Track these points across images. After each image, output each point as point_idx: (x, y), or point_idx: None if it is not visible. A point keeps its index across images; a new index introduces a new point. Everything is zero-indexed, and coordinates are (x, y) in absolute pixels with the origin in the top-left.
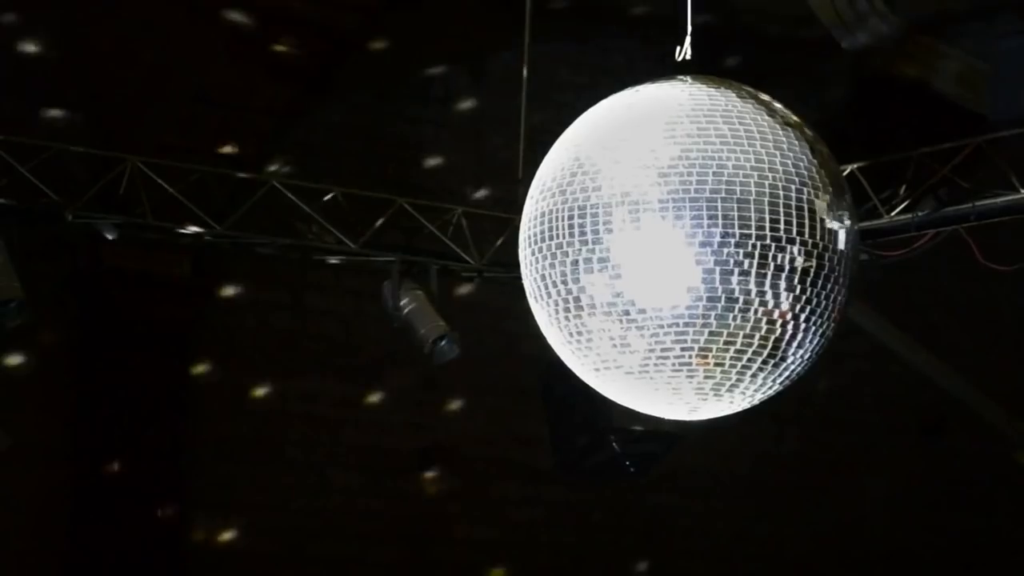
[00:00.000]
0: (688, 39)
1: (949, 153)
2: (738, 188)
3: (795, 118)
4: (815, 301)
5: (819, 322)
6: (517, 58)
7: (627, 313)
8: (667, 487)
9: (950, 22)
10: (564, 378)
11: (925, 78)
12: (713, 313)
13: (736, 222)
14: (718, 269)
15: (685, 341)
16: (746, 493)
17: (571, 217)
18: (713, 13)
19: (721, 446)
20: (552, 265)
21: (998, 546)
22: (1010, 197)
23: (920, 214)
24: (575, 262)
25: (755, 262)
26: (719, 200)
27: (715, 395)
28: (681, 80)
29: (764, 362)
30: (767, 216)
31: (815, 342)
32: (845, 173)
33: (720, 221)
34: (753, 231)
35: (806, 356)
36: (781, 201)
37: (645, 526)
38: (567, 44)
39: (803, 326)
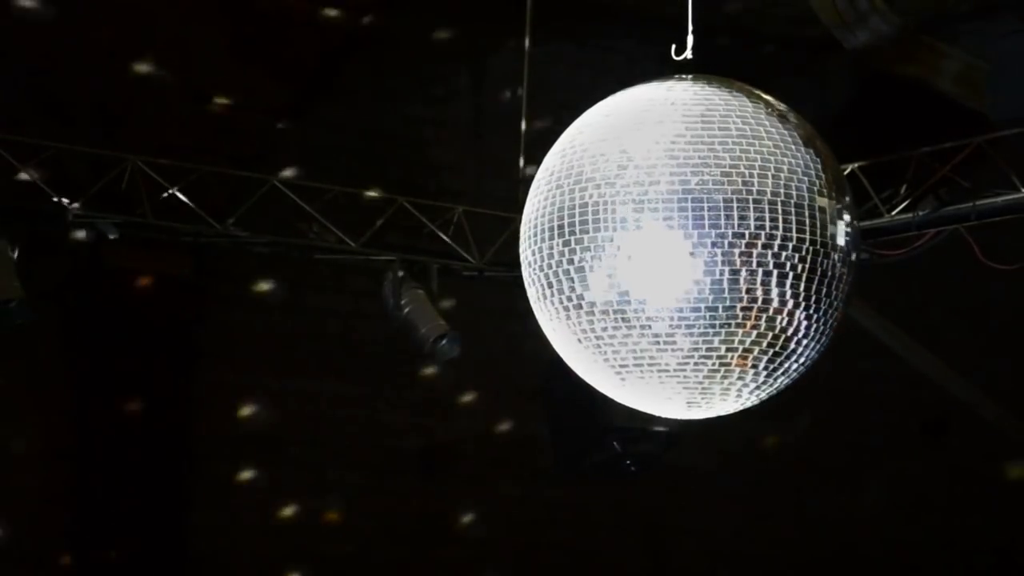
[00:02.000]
0: (691, 38)
1: (950, 152)
2: (743, 188)
3: (795, 116)
4: (819, 300)
5: (823, 321)
6: (517, 58)
7: (680, 311)
8: (667, 487)
9: (950, 22)
10: (565, 378)
11: (926, 78)
12: (764, 316)
13: (750, 222)
14: (767, 271)
15: (732, 342)
16: (746, 493)
17: (727, 208)
18: (715, 12)
19: (721, 446)
20: (598, 258)
21: (998, 546)
22: (1010, 196)
23: (921, 213)
24: (629, 256)
25: (767, 262)
26: (779, 202)
27: (737, 395)
28: (681, 79)
29: (773, 361)
30: (779, 216)
31: (819, 341)
32: (846, 172)
33: (780, 223)
34: (764, 230)
35: (809, 355)
36: (792, 200)
37: (645, 525)
38: (567, 44)
39: (807, 325)
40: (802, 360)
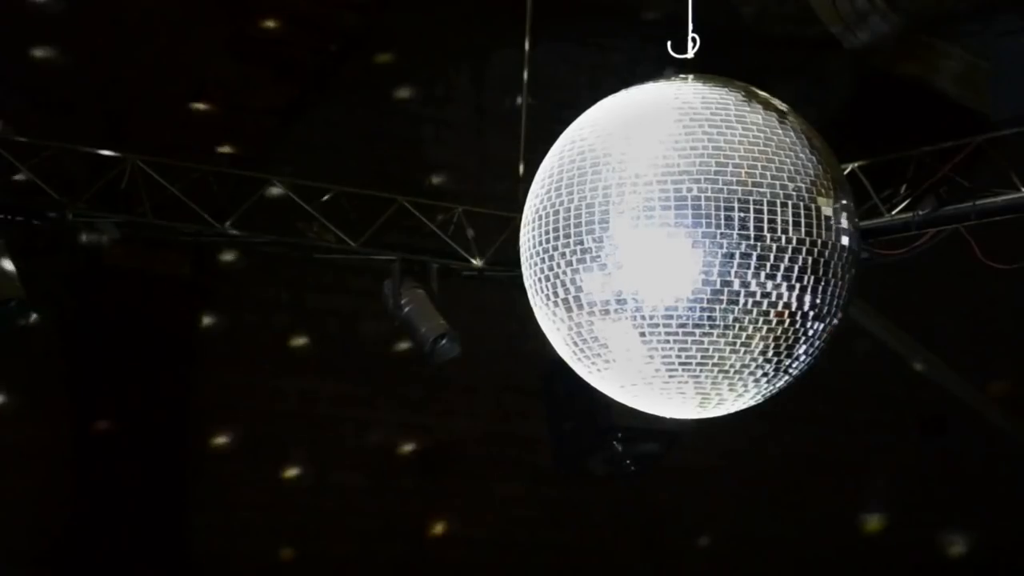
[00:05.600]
0: (693, 37)
1: (950, 152)
2: (743, 188)
3: (796, 116)
4: (817, 300)
5: (823, 320)
6: (517, 58)
7: (681, 311)
8: (667, 486)
9: (951, 21)
10: (565, 378)
11: (926, 77)
12: (766, 316)
13: (751, 222)
14: (768, 271)
15: (733, 342)
16: (746, 492)
17: (728, 208)
18: (714, 12)
19: (721, 445)
20: (598, 258)
21: (998, 546)
22: (1010, 196)
23: (921, 213)
24: (629, 257)
25: (768, 262)
26: (779, 202)
27: (739, 395)
28: (681, 78)
29: (775, 361)
30: (780, 216)
31: (819, 340)
32: (846, 172)
33: (780, 224)
34: (765, 230)
35: (807, 356)
36: (752, 197)
37: (645, 525)
38: (567, 44)
39: (807, 324)
40: (803, 359)
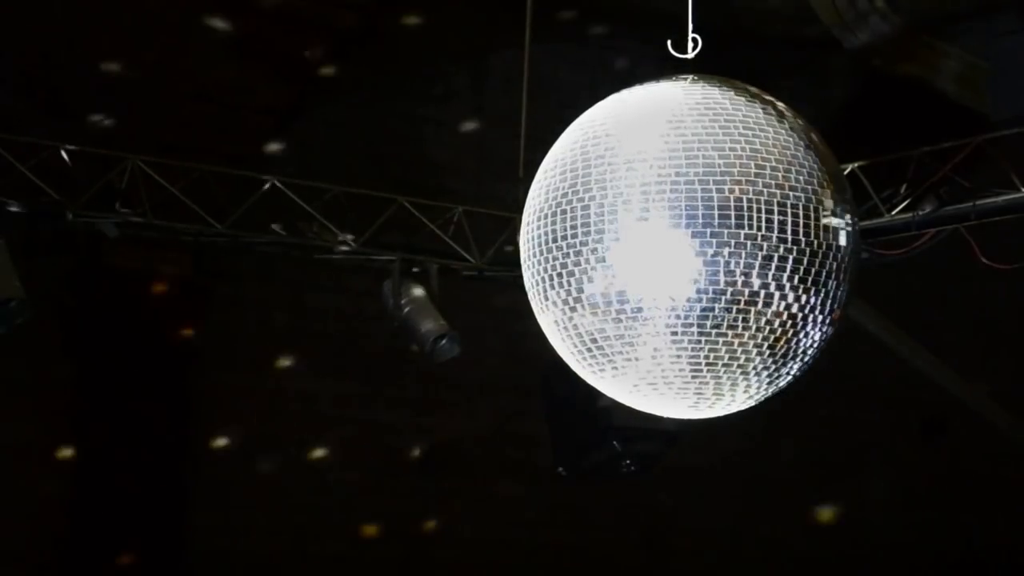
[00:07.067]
0: (694, 38)
1: (950, 152)
2: (744, 188)
3: (796, 116)
4: (816, 300)
5: (823, 320)
6: (517, 58)
7: (681, 311)
8: (667, 486)
9: (951, 21)
10: (565, 378)
11: (926, 77)
12: (765, 315)
13: (788, 225)
14: (768, 271)
15: (733, 342)
16: (746, 492)
17: (769, 211)
18: (714, 12)
19: (721, 445)
20: (599, 257)
21: (998, 546)
22: (1010, 196)
23: (921, 213)
24: (630, 255)
25: (802, 265)
26: (779, 202)
27: (739, 394)
28: (681, 78)
29: (775, 361)
30: (775, 215)
31: (816, 341)
32: (846, 172)
33: (781, 223)
34: (762, 230)
35: (807, 355)
36: (789, 200)
37: (645, 525)
38: (567, 44)
39: (807, 324)
40: (803, 359)
